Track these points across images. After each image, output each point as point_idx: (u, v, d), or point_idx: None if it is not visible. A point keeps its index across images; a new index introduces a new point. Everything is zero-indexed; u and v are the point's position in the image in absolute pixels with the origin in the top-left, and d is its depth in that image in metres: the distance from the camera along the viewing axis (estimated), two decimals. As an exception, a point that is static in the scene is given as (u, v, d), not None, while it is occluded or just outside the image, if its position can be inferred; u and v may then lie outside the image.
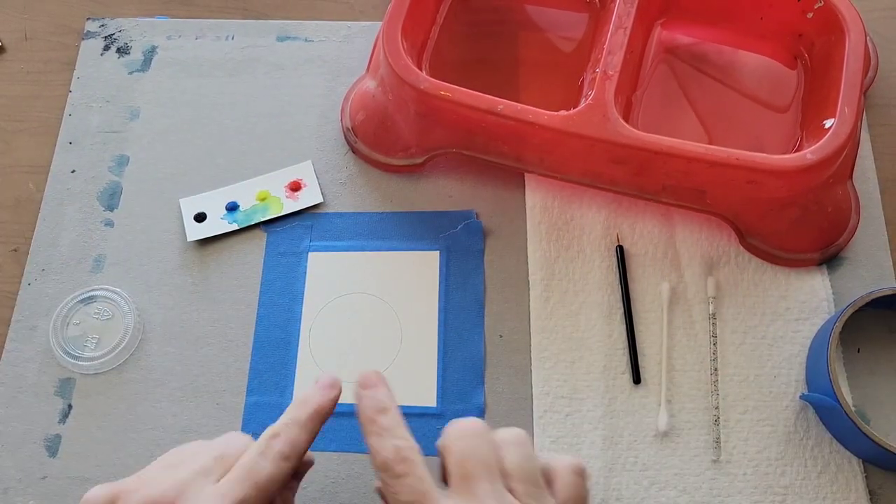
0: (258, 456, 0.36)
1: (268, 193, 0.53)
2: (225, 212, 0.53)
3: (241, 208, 0.53)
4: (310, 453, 0.40)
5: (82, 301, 0.51)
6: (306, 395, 0.39)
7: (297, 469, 0.38)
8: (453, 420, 0.36)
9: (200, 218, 0.53)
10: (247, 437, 0.38)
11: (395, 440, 0.35)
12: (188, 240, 0.52)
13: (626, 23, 0.51)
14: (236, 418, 0.48)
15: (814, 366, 0.47)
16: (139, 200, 0.55)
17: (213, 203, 0.54)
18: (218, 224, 0.53)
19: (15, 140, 0.58)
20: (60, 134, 0.57)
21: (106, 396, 0.49)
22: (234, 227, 0.53)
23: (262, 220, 0.53)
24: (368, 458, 0.46)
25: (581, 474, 0.36)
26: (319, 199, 0.53)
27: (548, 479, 0.35)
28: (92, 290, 0.52)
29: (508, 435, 0.36)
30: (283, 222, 0.53)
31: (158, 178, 0.56)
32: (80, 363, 0.50)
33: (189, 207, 0.54)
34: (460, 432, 0.35)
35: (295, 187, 0.54)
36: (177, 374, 0.50)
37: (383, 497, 0.36)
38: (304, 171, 0.54)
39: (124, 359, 0.50)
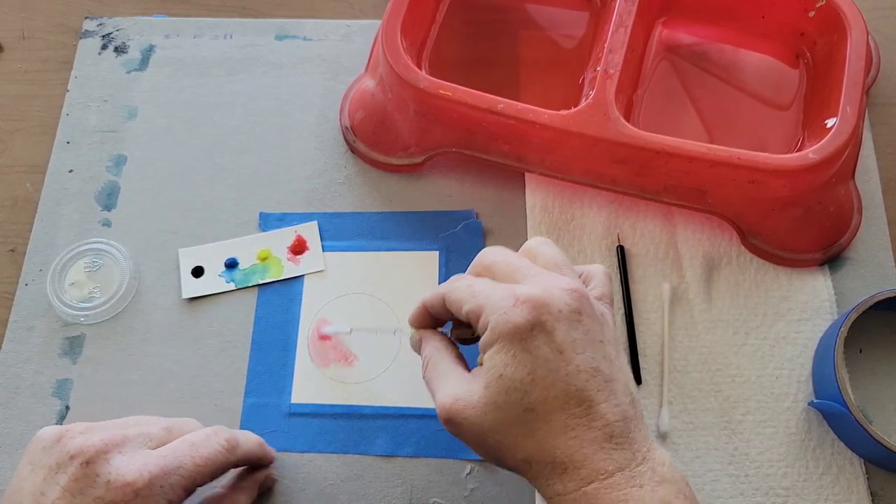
0: (204, 436, 0.39)
1: (269, 253, 0.52)
2: (223, 268, 0.52)
3: (240, 266, 0.52)
4: (272, 473, 0.45)
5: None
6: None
7: (260, 483, 0.44)
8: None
9: (198, 272, 0.52)
10: (199, 425, 0.41)
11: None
12: (182, 297, 0.51)
13: (627, 21, 0.51)
14: (234, 419, 0.48)
15: (820, 371, 0.46)
16: (137, 200, 0.55)
17: (213, 257, 0.52)
18: (215, 282, 0.52)
19: (12, 139, 0.58)
20: (58, 133, 0.57)
21: (103, 398, 0.49)
22: (231, 286, 0.52)
23: (260, 282, 0.52)
24: (367, 459, 0.46)
25: (609, 276, 0.41)
26: (321, 268, 0.52)
27: (585, 280, 0.40)
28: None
29: (533, 242, 0.39)
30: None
31: (157, 178, 0.55)
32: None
33: (187, 259, 0.52)
34: (493, 250, 0.39)
35: (298, 250, 0.52)
36: (175, 375, 0.49)
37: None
38: (309, 232, 0.53)
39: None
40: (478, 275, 0.39)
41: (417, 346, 0.41)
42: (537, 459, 0.34)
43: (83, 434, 0.38)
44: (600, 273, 0.40)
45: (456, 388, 0.36)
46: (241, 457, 0.41)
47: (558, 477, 0.34)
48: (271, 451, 0.45)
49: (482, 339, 0.36)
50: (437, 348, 0.39)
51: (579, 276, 0.39)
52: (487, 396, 0.34)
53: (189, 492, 0.38)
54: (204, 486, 0.40)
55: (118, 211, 0.54)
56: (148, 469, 0.37)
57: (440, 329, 0.42)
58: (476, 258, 0.39)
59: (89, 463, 0.37)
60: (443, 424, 0.36)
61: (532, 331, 0.34)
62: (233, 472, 0.44)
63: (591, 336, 0.35)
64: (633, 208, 0.52)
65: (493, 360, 0.34)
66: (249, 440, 0.43)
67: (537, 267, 0.37)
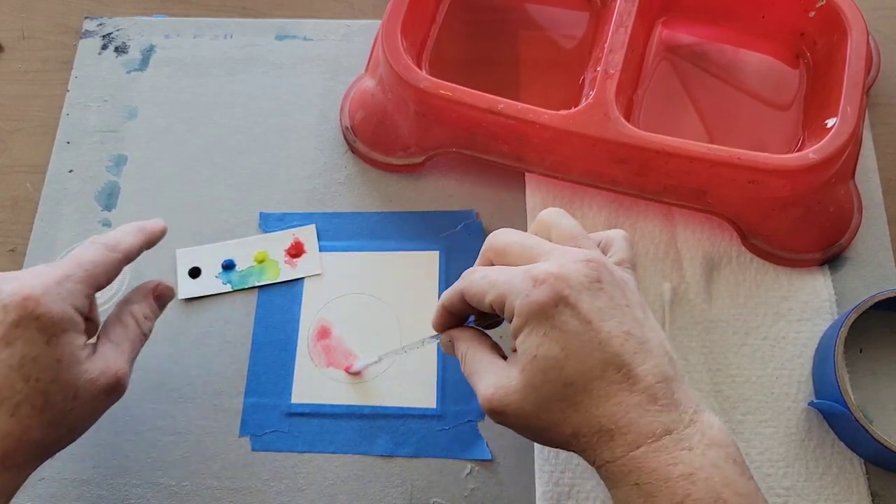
0: (83, 247, 0.40)
1: (266, 255, 0.52)
2: (220, 269, 0.52)
3: (237, 268, 0.52)
4: (169, 284, 0.45)
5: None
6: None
7: (158, 295, 0.45)
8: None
9: (195, 273, 0.52)
10: None
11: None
12: (179, 297, 0.51)
13: (628, 21, 0.51)
14: (234, 419, 0.48)
15: (820, 371, 0.46)
16: (137, 200, 0.55)
17: (210, 258, 0.52)
18: (212, 283, 0.52)
19: (12, 140, 0.58)
20: (58, 133, 0.57)
21: (103, 397, 0.49)
22: (228, 288, 0.52)
23: (257, 284, 0.52)
24: (367, 459, 0.46)
25: (629, 240, 0.40)
26: (318, 271, 0.52)
27: (604, 247, 0.39)
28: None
29: (548, 214, 0.39)
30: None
31: (157, 178, 0.55)
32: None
33: (185, 259, 0.52)
34: (503, 233, 0.39)
35: (295, 253, 0.52)
36: (174, 375, 0.49)
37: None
38: (306, 236, 0.53)
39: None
40: (490, 261, 0.39)
41: (450, 348, 0.41)
42: (584, 431, 0.34)
43: None
44: (619, 238, 0.40)
45: (494, 378, 0.36)
46: (125, 251, 0.41)
47: (606, 445, 0.33)
48: (154, 226, 0.44)
49: (512, 326, 0.36)
50: (470, 344, 0.39)
51: (598, 244, 0.39)
52: (525, 380, 0.35)
53: (89, 297, 0.39)
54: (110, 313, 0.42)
55: (118, 211, 0.54)
56: (40, 282, 0.36)
57: (465, 324, 0.42)
58: (486, 243, 0.39)
59: None
60: (487, 415, 0.37)
61: (556, 307, 0.34)
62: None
63: (615, 302, 0.35)
64: (633, 208, 0.52)
65: (525, 343, 0.35)
66: (126, 231, 0.42)
67: (550, 243, 0.37)
